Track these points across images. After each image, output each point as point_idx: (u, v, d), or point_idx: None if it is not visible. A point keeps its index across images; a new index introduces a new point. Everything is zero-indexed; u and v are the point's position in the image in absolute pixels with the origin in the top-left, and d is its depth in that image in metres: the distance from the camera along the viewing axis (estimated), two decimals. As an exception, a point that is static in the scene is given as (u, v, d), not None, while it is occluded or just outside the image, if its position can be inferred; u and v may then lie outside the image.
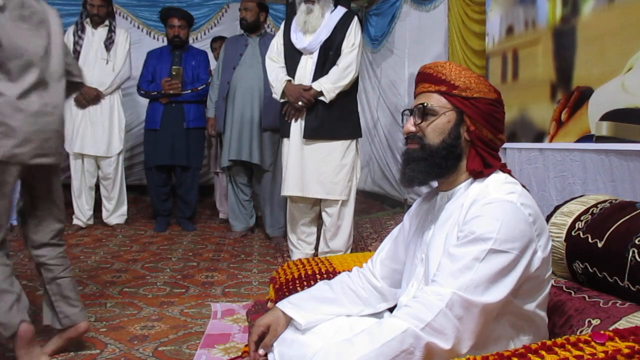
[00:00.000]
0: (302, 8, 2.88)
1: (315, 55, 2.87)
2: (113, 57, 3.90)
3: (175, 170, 4.09)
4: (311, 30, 2.86)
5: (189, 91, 3.96)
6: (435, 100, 1.14)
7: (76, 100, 3.85)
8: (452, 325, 0.95)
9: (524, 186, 1.13)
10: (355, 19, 2.93)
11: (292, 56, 2.94)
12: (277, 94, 2.95)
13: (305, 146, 2.89)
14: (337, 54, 2.85)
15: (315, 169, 2.87)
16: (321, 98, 2.82)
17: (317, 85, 2.81)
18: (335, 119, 2.86)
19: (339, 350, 0.98)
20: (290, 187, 2.92)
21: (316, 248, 3.14)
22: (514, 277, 1.00)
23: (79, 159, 3.95)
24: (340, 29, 2.86)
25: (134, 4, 5.37)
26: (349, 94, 2.93)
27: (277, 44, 3.03)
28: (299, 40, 2.90)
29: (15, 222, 3.83)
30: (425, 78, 1.17)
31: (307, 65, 2.89)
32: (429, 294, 0.99)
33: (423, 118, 1.14)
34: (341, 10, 2.93)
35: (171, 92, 3.89)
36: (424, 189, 1.29)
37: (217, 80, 3.86)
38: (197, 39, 5.29)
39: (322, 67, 2.85)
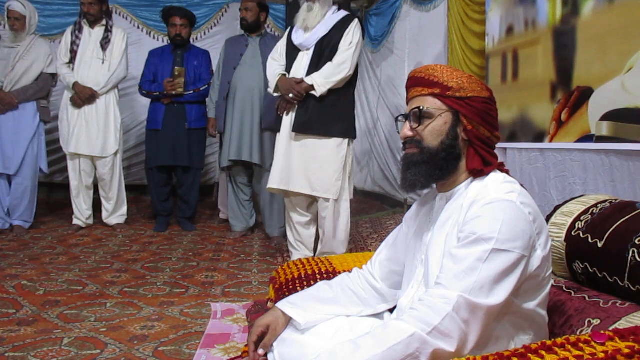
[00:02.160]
0: (303, 7, 2.93)
1: (311, 51, 2.89)
2: (109, 57, 3.89)
3: (177, 170, 4.08)
4: (310, 27, 2.89)
5: (191, 92, 3.96)
6: (430, 103, 1.15)
7: (71, 100, 3.85)
8: (458, 328, 0.95)
9: (522, 185, 1.13)
10: (356, 21, 2.94)
11: (291, 53, 2.98)
12: (271, 88, 2.98)
13: (294, 141, 2.90)
14: (334, 51, 2.86)
15: (302, 164, 2.88)
16: (312, 92, 2.83)
17: (309, 79, 2.82)
18: (325, 115, 2.86)
19: (344, 352, 0.98)
20: (275, 180, 2.92)
21: (315, 250, 3.14)
22: (517, 276, 1.01)
23: (76, 159, 3.94)
24: (339, 28, 2.88)
25: (134, 4, 5.37)
26: (344, 92, 2.93)
27: (280, 46, 3.07)
28: (298, 37, 2.94)
29: (15, 222, 3.85)
30: (418, 82, 1.18)
31: (302, 61, 2.91)
32: (434, 297, 0.98)
33: (419, 122, 1.15)
34: (343, 13, 2.97)
35: (173, 92, 3.89)
36: (424, 190, 1.28)
37: (217, 81, 3.86)
38: (197, 39, 5.29)
39: (317, 63, 2.86)
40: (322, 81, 2.81)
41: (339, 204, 2.93)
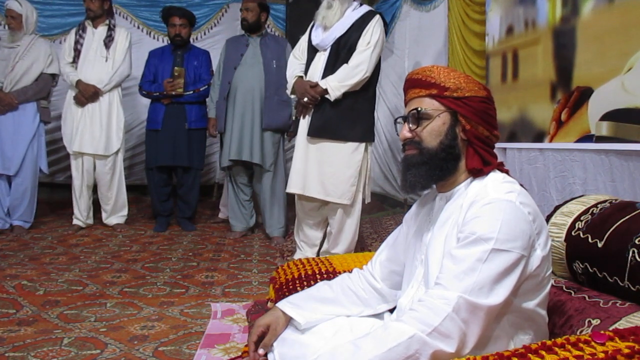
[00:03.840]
0: (323, 3, 2.83)
1: (328, 52, 2.80)
2: (112, 55, 3.89)
3: (177, 170, 4.08)
4: (328, 25, 2.79)
5: (191, 92, 3.95)
6: (428, 104, 1.15)
7: (75, 98, 3.85)
8: (458, 329, 0.96)
9: (521, 185, 1.13)
10: (377, 18, 2.81)
11: (310, 52, 2.91)
12: (289, 90, 2.94)
13: (310, 144, 2.85)
14: (351, 52, 2.75)
15: (317, 168, 2.83)
16: (326, 96, 2.76)
17: (323, 83, 2.75)
18: (341, 119, 2.78)
19: (343, 353, 0.98)
20: (293, 184, 2.89)
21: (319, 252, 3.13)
22: (516, 276, 1.01)
23: (79, 158, 3.93)
24: (357, 27, 2.76)
25: (134, 4, 5.37)
26: (362, 95, 2.82)
27: (303, 42, 2.99)
28: (317, 36, 2.85)
29: (15, 222, 3.85)
30: (415, 84, 1.18)
31: (319, 62, 2.83)
32: (434, 297, 0.99)
33: (418, 123, 1.15)
34: (364, 9, 2.84)
35: (173, 93, 3.89)
36: (425, 190, 1.29)
37: (217, 81, 3.86)
38: (197, 39, 5.29)
39: (333, 65, 2.77)
40: (337, 85, 2.72)
41: (349, 209, 2.89)
